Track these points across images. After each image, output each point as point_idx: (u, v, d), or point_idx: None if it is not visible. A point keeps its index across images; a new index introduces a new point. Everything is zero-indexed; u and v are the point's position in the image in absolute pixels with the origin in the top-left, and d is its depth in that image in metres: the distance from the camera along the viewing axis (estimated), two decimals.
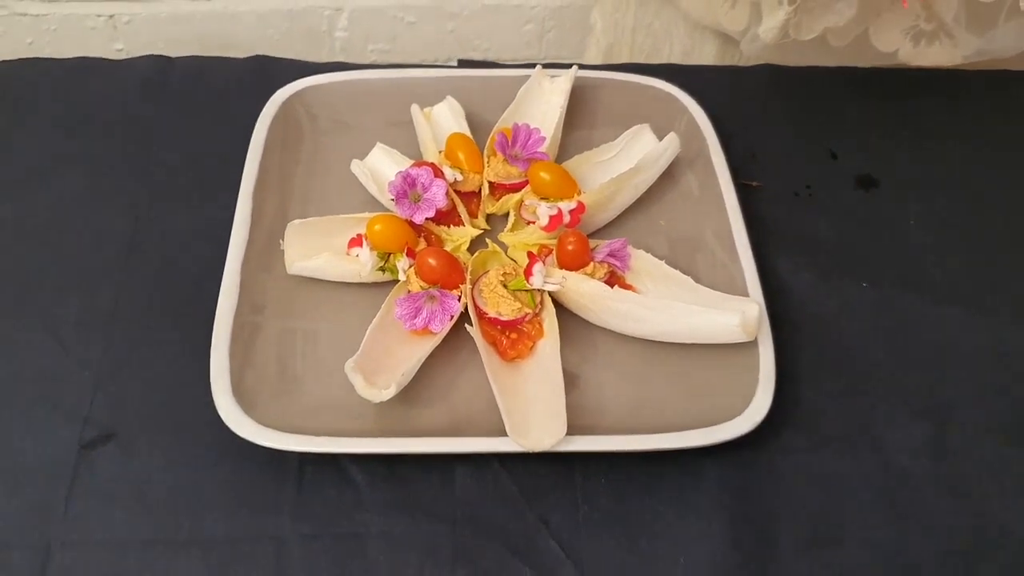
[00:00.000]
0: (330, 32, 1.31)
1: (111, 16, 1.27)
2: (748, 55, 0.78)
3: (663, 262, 0.61)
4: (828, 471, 0.56)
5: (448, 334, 0.58)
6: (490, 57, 1.38)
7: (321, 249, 0.60)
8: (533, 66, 0.70)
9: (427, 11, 1.29)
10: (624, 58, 0.89)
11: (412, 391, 0.56)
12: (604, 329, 0.60)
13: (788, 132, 0.74)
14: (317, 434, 0.53)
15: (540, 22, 1.29)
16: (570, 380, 0.58)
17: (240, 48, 1.24)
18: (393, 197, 0.61)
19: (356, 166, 0.65)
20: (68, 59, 0.76)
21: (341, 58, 1.39)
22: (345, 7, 1.29)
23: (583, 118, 0.72)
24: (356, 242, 0.60)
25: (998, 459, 0.57)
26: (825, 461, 0.56)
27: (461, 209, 0.64)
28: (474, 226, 0.64)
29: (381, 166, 0.66)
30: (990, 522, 0.54)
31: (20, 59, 0.76)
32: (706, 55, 0.85)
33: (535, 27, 1.29)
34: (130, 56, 0.78)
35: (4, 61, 0.76)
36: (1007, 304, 0.64)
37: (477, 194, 0.66)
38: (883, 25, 0.75)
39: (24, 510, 0.53)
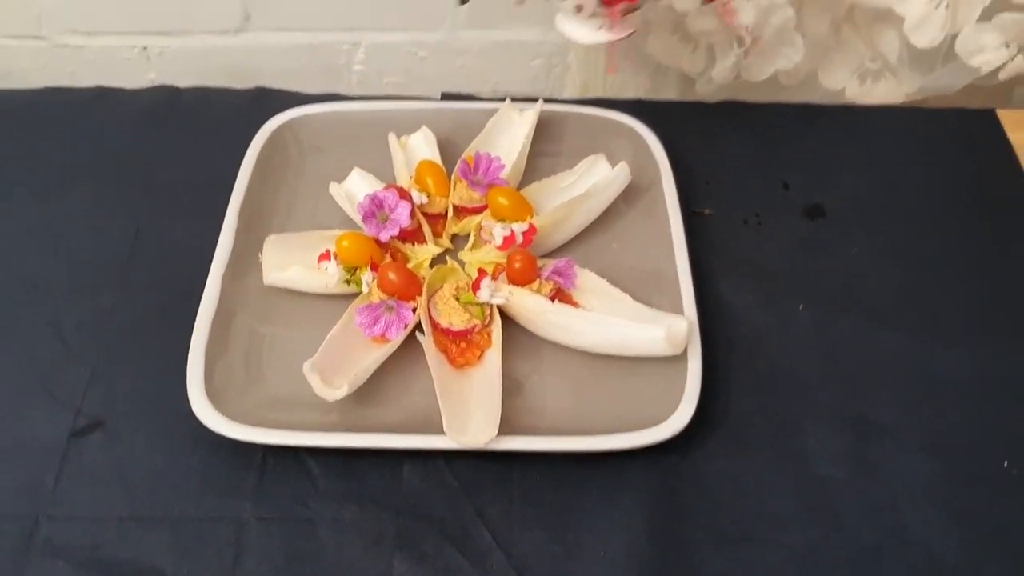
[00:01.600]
0: (348, 66, 1.38)
1: (144, 48, 1.36)
2: (703, 95, 0.84)
3: (605, 281, 0.66)
4: (748, 477, 0.60)
5: (407, 342, 0.64)
6: (499, 90, 1.45)
7: (295, 262, 0.66)
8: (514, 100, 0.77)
9: (439, 46, 1.35)
10: (598, 93, 0.95)
11: (369, 392, 0.62)
12: (551, 341, 0.65)
13: (743, 164, 0.78)
14: (279, 428, 0.59)
15: (547, 58, 1.35)
16: (516, 386, 0.63)
17: (264, 79, 1.32)
18: (362, 216, 0.67)
19: (334, 188, 0.72)
20: (88, 88, 0.84)
21: (358, 90, 1.47)
22: (362, 42, 1.36)
23: (550, 147, 0.77)
24: (325, 256, 0.66)
25: (914, 472, 0.61)
26: (747, 468, 0.61)
27: (426, 229, 0.70)
28: (437, 244, 0.70)
29: (357, 189, 0.72)
30: (900, 530, 0.58)
31: (46, 87, 0.85)
32: (669, 91, 0.90)
33: (543, 62, 1.35)
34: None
35: (33, 89, 0.85)
36: (937, 329, 0.68)
37: (443, 215, 0.72)
38: (831, 64, 0.80)
39: (17, 486, 0.59)
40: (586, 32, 0.63)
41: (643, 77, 0.91)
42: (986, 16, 0.75)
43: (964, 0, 0.75)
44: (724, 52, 0.78)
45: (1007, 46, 0.76)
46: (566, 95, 0.94)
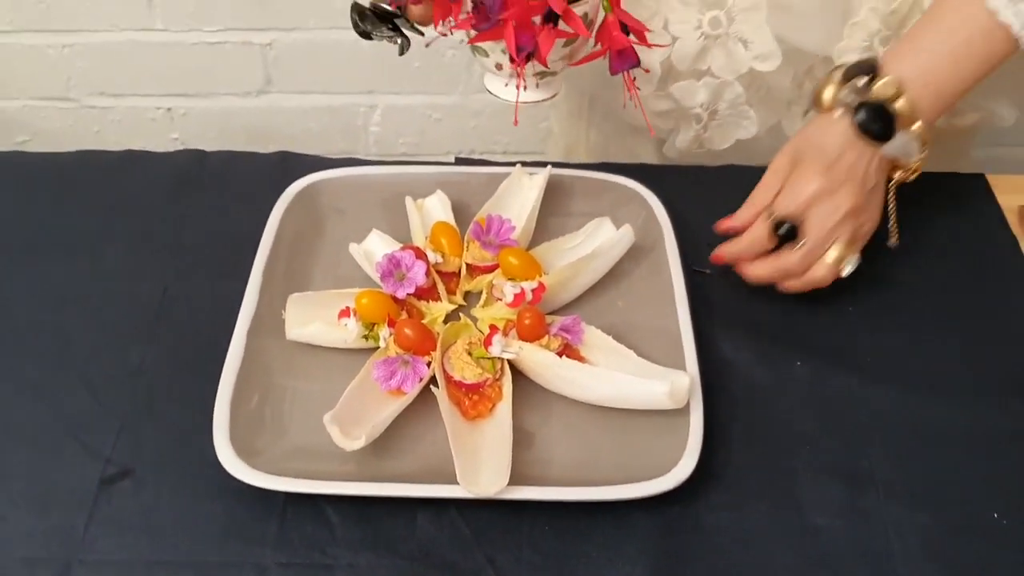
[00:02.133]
0: (365, 127, 1.45)
1: (169, 109, 1.42)
2: (670, 157, 0.89)
3: (611, 337, 0.70)
4: (748, 526, 0.63)
5: (421, 395, 0.67)
6: (510, 150, 1.50)
7: (316, 318, 0.70)
8: (525, 163, 0.81)
9: (452, 109, 1.42)
10: (580, 156, 1.00)
11: (385, 443, 0.65)
12: (559, 395, 0.68)
13: None
14: (299, 477, 0.62)
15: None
16: (527, 438, 0.66)
17: (284, 140, 1.36)
18: (380, 275, 0.71)
19: (354, 248, 0.76)
20: (118, 151, 0.88)
21: (375, 149, 1.53)
22: (379, 104, 1.43)
23: (558, 209, 0.81)
24: (345, 313, 0.70)
25: (907, 523, 0.63)
26: (746, 518, 0.63)
27: (440, 287, 0.74)
28: (450, 302, 0.74)
29: (375, 249, 0.76)
30: None
31: (79, 151, 0.89)
32: (648, 153, 0.96)
33: (551, 124, 1.40)
34: (184, 146, 0.91)
35: (67, 152, 0.89)
36: (928, 385, 0.70)
37: (457, 274, 0.76)
38: (792, 115, 0.84)
39: (50, 532, 0.62)
40: (510, 92, 0.69)
41: (622, 139, 0.96)
42: None
43: None
44: (685, 126, 0.84)
45: None
46: (549, 158, 0.98)
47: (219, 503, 0.63)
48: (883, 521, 0.63)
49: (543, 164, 0.81)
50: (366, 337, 0.70)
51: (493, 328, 0.69)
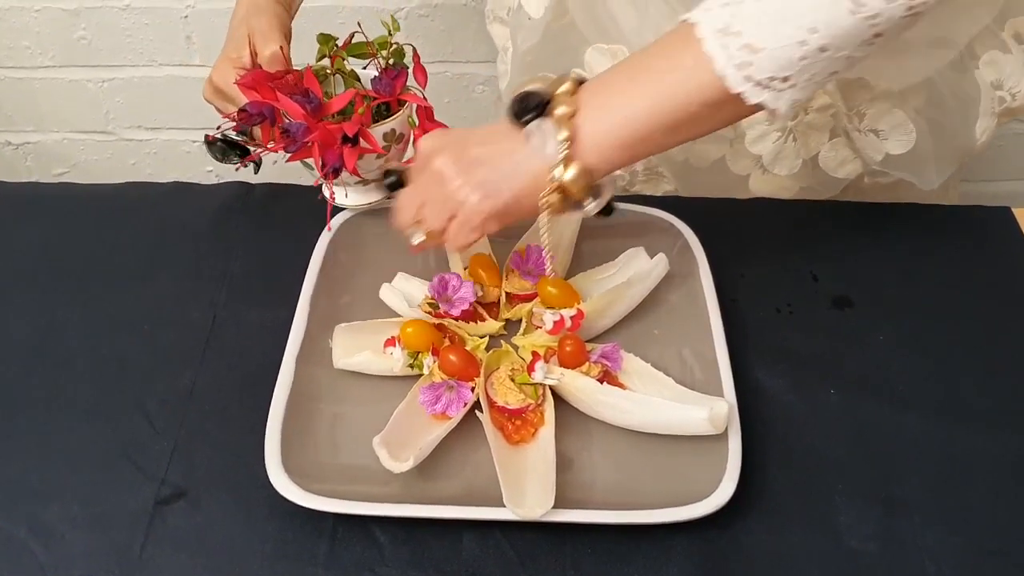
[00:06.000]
0: None
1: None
2: None
3: (650, 365, 0.72)
4: (784, 549, 0.64)
5: (465, 419, 0.69)
6: None
7: (362, 348, 0.72)
8: None
9: None
10: None
11: (431, 466, 0.67)
12: (598, 420, 0.70)
13: (775, 257, 0.84)
14: (349, 499, 0.64)
15: None
16: (567, 462, 0.68)
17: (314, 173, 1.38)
18: (434, 296, 0.74)
19: (384, 293, 0.78)
20: (166, 183, 0.91)
21: None
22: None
23: (595, 241, 0.83)
24: (391, 342, 0.72)
25: (940, 546, 0.64)
26: (783, 541, 0.65)
27: (482, 313, 0.76)
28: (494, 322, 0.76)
29: (404, 288, 0.79)
30: None
31: (127, 182, 0.92)
32: None
33: None
34: (219, 179, 0.94)
35: (115, 184, 0.92)
36: (959, 413, 0.72)
37: (496, 304, 0.78)
38: (736, 154, 0.87)
39: (107, 550, 0.64)
40: (340, 198, 0.82)
41: None
42: (834, 134, 0.85)
43: (812, 130, 0.84)
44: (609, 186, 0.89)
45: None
46: None
47: (271, 524, 0.65)
48: (917, 544, 0.65)
49: None
50: (411, 365, 0.72)
51: (535, 355, 0.71)
